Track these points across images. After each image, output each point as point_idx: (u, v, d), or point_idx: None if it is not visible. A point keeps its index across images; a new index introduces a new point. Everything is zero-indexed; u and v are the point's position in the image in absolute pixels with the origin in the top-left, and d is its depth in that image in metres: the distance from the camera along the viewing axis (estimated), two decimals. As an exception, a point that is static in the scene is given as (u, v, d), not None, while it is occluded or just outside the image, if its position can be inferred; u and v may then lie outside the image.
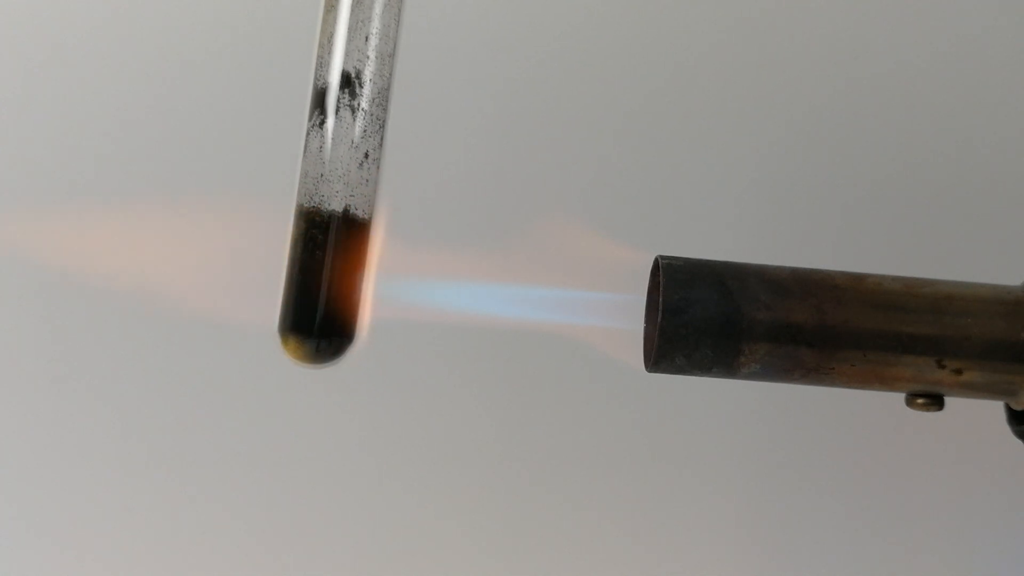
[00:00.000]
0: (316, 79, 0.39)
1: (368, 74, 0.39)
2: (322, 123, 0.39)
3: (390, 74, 0.40)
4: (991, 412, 0.44)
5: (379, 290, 0.43)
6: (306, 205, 0.39)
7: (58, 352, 0.66)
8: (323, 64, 0.39)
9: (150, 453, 0.66)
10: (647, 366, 0.42)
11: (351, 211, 0.39)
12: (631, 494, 0.67)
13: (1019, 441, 0.43)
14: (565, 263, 0.44)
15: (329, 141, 0.39)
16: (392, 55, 0.39)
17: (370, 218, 0.40)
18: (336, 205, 0.39)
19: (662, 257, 0.41)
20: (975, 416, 0.47)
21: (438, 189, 0.66)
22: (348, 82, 0.39)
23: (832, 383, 0.42)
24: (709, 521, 0.67)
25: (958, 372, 0.41)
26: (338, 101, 0.39)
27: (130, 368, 0.66)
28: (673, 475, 0.67)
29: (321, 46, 0.39)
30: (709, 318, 0.40)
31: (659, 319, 0.40)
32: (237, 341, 0.65)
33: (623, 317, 0.43)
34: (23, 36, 0.66)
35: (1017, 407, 0.43)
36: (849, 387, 0.42)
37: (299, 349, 0.39)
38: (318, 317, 0.39)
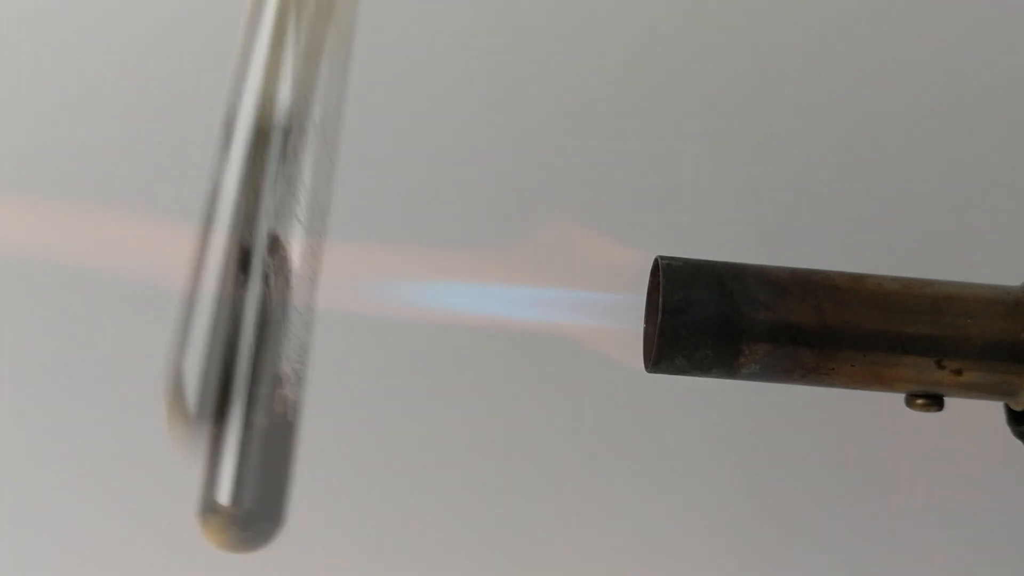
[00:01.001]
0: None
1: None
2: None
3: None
4: (991, 412, 0.44)
5: (379, 291, 0.43)
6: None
7: (59, 347, 0.66)
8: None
9: (149, 449, 0.66)
10: (647, 366, 0.42)
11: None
12: (630, 494, 0.67)
13: (1019, 441, 0.43)
14: (565, 263, 0.44)
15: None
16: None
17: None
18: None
19: (662, 257, 0.41)
20: (975, 416, 0.47)
21: (438, 190, 0.66)
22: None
23: (832, 383, 0.41)
24: (709, 521, 0.67)
25: (958, 372, 0.41)
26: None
27: (129, 365, 0.66)
28: (673, 475, 0.67)
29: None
30: (709, 318, 0.40)
31: (659, 319, 0.40)
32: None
33: (623, 317, 0.43)
34: (23, 32, 0.66)
35: (1017, 407, 0.43)
36: (849, 387, 0.42)
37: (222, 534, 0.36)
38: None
